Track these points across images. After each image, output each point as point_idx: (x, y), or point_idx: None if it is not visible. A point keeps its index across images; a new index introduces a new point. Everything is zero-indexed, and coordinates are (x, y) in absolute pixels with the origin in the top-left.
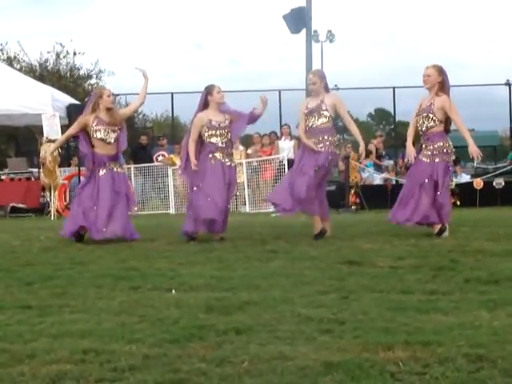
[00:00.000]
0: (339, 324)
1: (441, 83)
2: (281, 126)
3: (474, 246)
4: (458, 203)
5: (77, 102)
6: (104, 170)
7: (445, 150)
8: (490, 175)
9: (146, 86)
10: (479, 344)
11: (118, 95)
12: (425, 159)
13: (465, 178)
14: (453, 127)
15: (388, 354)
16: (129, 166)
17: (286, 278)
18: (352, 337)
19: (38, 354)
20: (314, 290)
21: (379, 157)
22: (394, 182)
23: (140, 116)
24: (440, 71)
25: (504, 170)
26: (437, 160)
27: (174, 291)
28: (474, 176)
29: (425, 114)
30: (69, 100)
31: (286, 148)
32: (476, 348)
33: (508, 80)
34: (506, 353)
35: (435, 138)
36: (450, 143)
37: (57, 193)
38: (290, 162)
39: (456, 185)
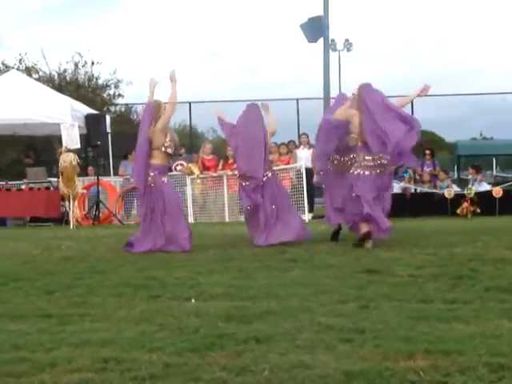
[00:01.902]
0: (359, 333)
1: None
2: (299, 135)
3: (493, 254)
4: (478, 211)
5: (95, 112)
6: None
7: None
8: (509, 183)
9: (175, 89)
10: (500, 353)
11: (135, 104)
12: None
13: (484, 186)
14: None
15: (408, 363)
16: None
17: (306, 287)
18: (372, 345)
19: (59, 362)
20: (334, 298)
21: None
22: (412, 191)
23: None
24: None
25: None
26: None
27: (193, 300)
28: (494, 184)
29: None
30: (87, 110)
31: (304, 157)
32: (497, 357)
33: None
34: None
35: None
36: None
37: (76, 202)
38: (308, 171)
39: (475, 193)
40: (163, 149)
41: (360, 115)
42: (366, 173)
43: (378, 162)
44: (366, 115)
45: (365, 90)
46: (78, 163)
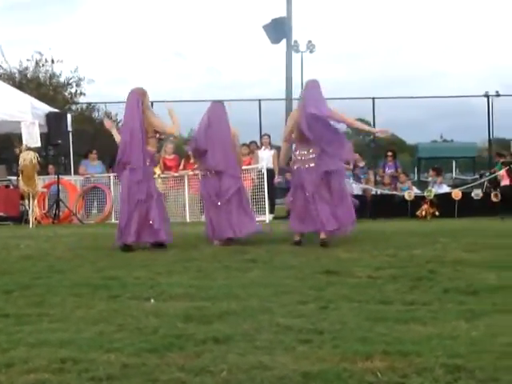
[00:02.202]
0: (318, 334)
1: None
2: (261, 136)
3: (452, 256)
4: (437, 213)
5: (56, 110)
6: None
7: None
8: (468, 186)
9: (178, 122)
10: (457, 354)
11: (96, 103)
12: None
13: (444, 188)
14: (429, 139)
15: (366, 364)
16: (108, 174)
17: (265, 288)
18: (331, 347)
19: (16, 362)
20: (293, 299)
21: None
22: (373, 192)
23: (120, 124)
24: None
25: (482, 180)
26: None
27: (152, 300)
28: (453, 187)
29: None
30: (48, 108)
31: (266, 158)
32: (454, 358)
33: (487, 92)
34: (484, 363)
35: None
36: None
37: (36, 201)
38: (269, 172)
39: (435, 195)
40: (157, 135)
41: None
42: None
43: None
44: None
45: (306, 86)
46: (38, 161)
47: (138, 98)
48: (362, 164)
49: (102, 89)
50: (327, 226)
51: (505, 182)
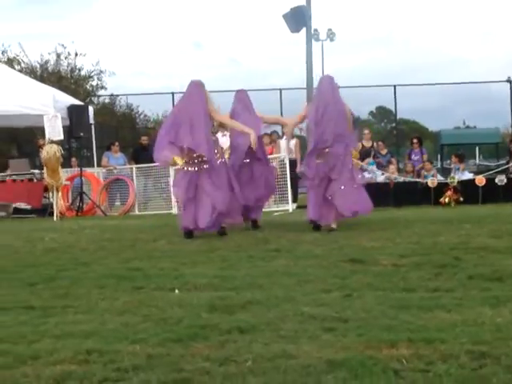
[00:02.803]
0: (342, 322)
1: None
2: (282, 126)
3: (476, 242)
4: (461, 200)
5: (78, 103)
6: None
7: None
8: (492, 172)
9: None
10: (482, 341)
11: (118, 95)
12: None
13: (467, 175)
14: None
15: (391, 352)
16: (130, 166)
17: (289, 277)
18: (355, 335)
19: (42, 355)
20: (317, 288)
21: (366, 156)
22: (396, 180)
23: (141, 117)
24: None
25: (506, 166)
26: None
27: (177, 291)
28: (477, 173)
29: None
30: (70, 101)
31: (287, 147)
32: (479, 345)
33: (509, 77)
34: (509, 349)
35: None
36: None
37: (60, 193)
38: (291, 162)
39: (458, 182)
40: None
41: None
42: None
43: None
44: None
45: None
46: (61, 154)
47: (201, 88)
48: (384, 152)
49: (123, 81)
50: None
51: None
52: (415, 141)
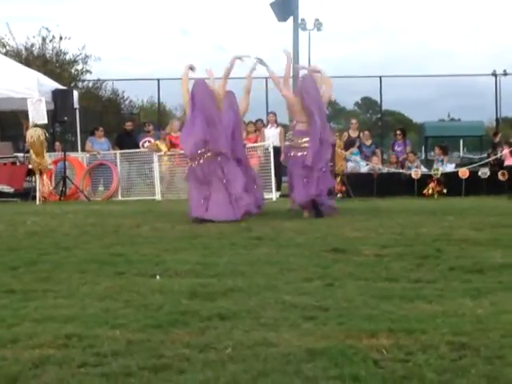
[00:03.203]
0: (323, 311)
1: None
2: (267, 113)
3: (458, 234)
4: (444, 192)
5: (63, 87)
6: None
7: None
8: (475, 164)
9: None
10: (462, 332)
11: (104, 80)
12: None
13: (450, 167)
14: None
15: (372, 342)
16: (114, 151)
17: (271, 265)
18: (336, 324)
19: (21, 338)
20: (299, 277)
21: (351, 145)
22: (381, 171)
23: (126, 102)
24: None
25: (490, 159)
26: None
27: (158, 277)
28: (460, 165)
29: None
30: (55, 85)
31: (271, 135)
32: (459, 336)
33: (494, 70)
34: (489, 341)
35: None
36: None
37: (45, 177)
38: (276, 150)
39: (442, 174)
40: None
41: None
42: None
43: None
44: None
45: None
46: (45, 138)
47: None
48: (368, 142)
49: (108, 66)
50: None
51: (508, 161)
52: (398, 132)
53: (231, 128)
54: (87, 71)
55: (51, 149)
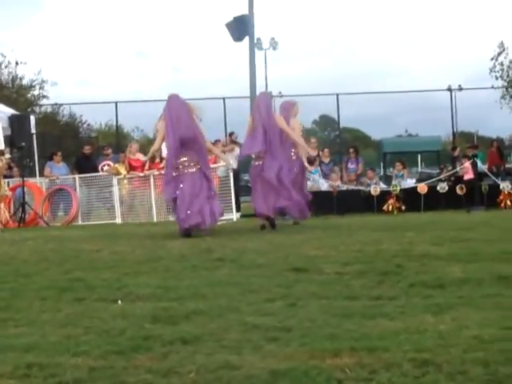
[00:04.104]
0: (286, 331)
1: None
2: (226, 134)
3: (419, 250)
4: (403, 208)
5: (19, 113)
6: None
7: None
8: (434, 179)
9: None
10: (425, 348)
11: (61, 104)
12: None
13: (410, 182)
14: (394, 134)
15: (335, 361)
16: (73, 176)
17: (233, 287)
18: (299, 344)
19: None
20: (261, 297)
21: (310, 164)
22: (339, 189)
23: (84, 126)
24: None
25: (448, 173)
26: None
27: (120, 302)
28: (419, 181)
29: None
30: (10, 111)
31: (232, 156)
32: (422, 352)
33: (450, 86)
34: (451, 357)
35: None
36: None
37: (2, 204)
38: (234, 172)
39: (401, 190)
40: None
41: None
42: None
43: None
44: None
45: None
46: (8, 164)
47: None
48: (327, 160)
49: (66, 90)
50: None
51: (469, 175)
52: (351, 150)
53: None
54: (44, 96)
55: (9, 175)
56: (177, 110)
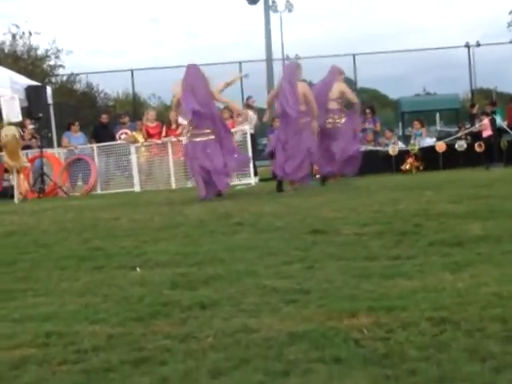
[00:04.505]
0: (304, 294)
1: None
2: (243, 98)
3: (437, 209)
4: (422, 167)
5: (36, 83)
6: None
7: None
8: (452, 137)
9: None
10: (442, 307)
11: (77, 74)
12: None
13: (428, 141)
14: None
15: (352, 321)
16: (91, 145)
17: (251, 251)
18: (317, 306)
19: (0, 339)
20: (279, 260)
21: None
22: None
23: (101, 95)
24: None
25: (466, 131)
26: None
27: (138, 269)
28: (438, 139)
29: None
30: (27, 82)
31: (250, 121)
32: (439, 311)
33: (467, 42)
34: (469, 314)
35: None
36: None
37: (22, 175)
38: (252, 136)
39: (419, 149)
40: None
41: None
42: None
43: None
44: None
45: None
46: (21, 136)
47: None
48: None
49: (81, 60)
50: None
51: (487, 132)
52: (368, 111)
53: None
54: (60, 66)
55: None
56: (193, 79)
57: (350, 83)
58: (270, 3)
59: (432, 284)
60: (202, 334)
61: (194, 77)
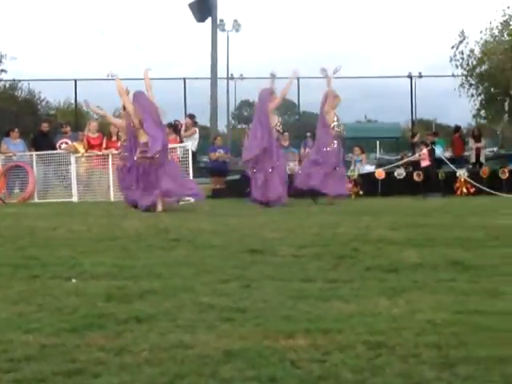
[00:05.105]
0: (241, 312)
1: None
2: (185, 115)
3: (375, 234)
4: (361, 193)
5: None
6: None
7: None
8: (391, 166)
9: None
10: (378, 331)
11: (20, 81)
12: None
13: (368, 168)
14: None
15: (288, 342)
16: (30, 153)
17: (188, 267)
18: (253, 325)
19: None
20: (216, 278)
21: None
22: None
23: (43, 103)
24: None
25: (406, 160)
26: None
27: (74, 280)
28: (377, 167)
29: None
30: None
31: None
32: (375, 335)
33: (410, 72)
34: (404, 340)
35: None
36: None
37: None
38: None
39: (359, 175)
40: None
41: None
42: None
43: None
44: None
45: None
46: None
47: None
48: (286, 144)
49: (25, 67)
50: None
51: (425, 162)
52: (308, 134)
53: None
54: (2, 71)
55: None
56: (147, 107)
57: (293, 106)
58: (218, 22)
59: (368, 308)
60: (137, 348)
61: (147, 106)
